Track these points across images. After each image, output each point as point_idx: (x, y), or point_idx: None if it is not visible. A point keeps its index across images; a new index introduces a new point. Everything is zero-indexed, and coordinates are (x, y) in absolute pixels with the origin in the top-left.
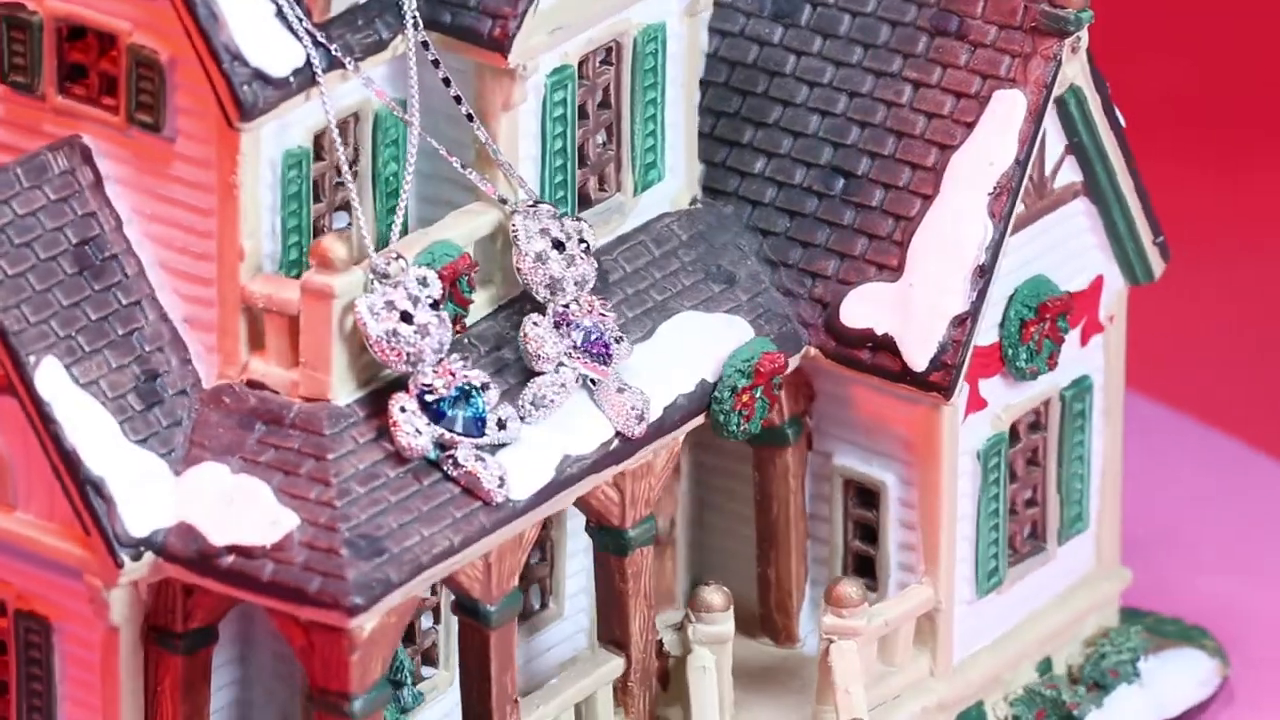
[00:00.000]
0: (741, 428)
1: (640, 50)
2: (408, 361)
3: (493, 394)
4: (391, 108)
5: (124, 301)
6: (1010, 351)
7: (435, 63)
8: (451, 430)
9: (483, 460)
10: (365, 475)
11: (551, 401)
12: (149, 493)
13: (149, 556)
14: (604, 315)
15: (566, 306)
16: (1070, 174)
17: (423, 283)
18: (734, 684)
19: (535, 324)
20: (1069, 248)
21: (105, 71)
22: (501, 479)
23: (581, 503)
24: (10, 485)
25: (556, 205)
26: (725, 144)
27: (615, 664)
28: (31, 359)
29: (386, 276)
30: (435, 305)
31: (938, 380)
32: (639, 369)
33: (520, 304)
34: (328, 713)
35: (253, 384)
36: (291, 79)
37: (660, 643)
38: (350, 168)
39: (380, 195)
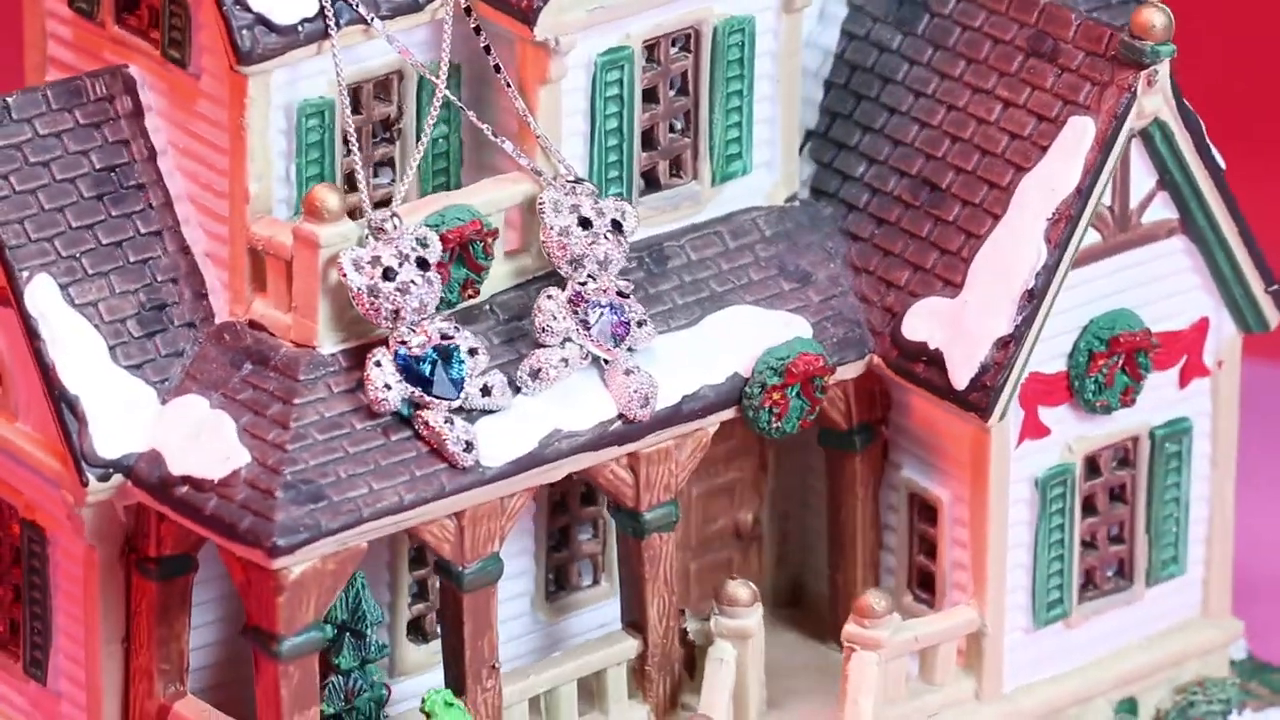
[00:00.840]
0: (773, 425)
1: (722, 40)
2: (386, 317)
3: (481, 359)
4: (420, 69)
5: (142, 230)
6: (1077, 382)
7: (477, 29)
8: (425, 390)
9: (451, 423)
10: (328, 423)
11: (549, 375)
12: (128, 417)
13: (118, 478)
14: (623, 297)
15: (583, 284)
16: (1164, 211)
17: (422, 243)
18: (783, 685)
19: (549, 297)
20: (1165, 286)
21: (152, 4)
22: (468, 444)
23: (592, 481)
24: (13, 397)
25: (599, 185)
26: (836, 145)
27: (627, 645)
28: (25, 274)
29: (382, 232)
30: (424, 265)
31: (976, 400)
32: (670, 355)
33: (555, 278)
34: (259, 650)
35: (254, 324)
36: (300, 28)
37: (685, 630)
38: (394, 125)
39: (426, 155)
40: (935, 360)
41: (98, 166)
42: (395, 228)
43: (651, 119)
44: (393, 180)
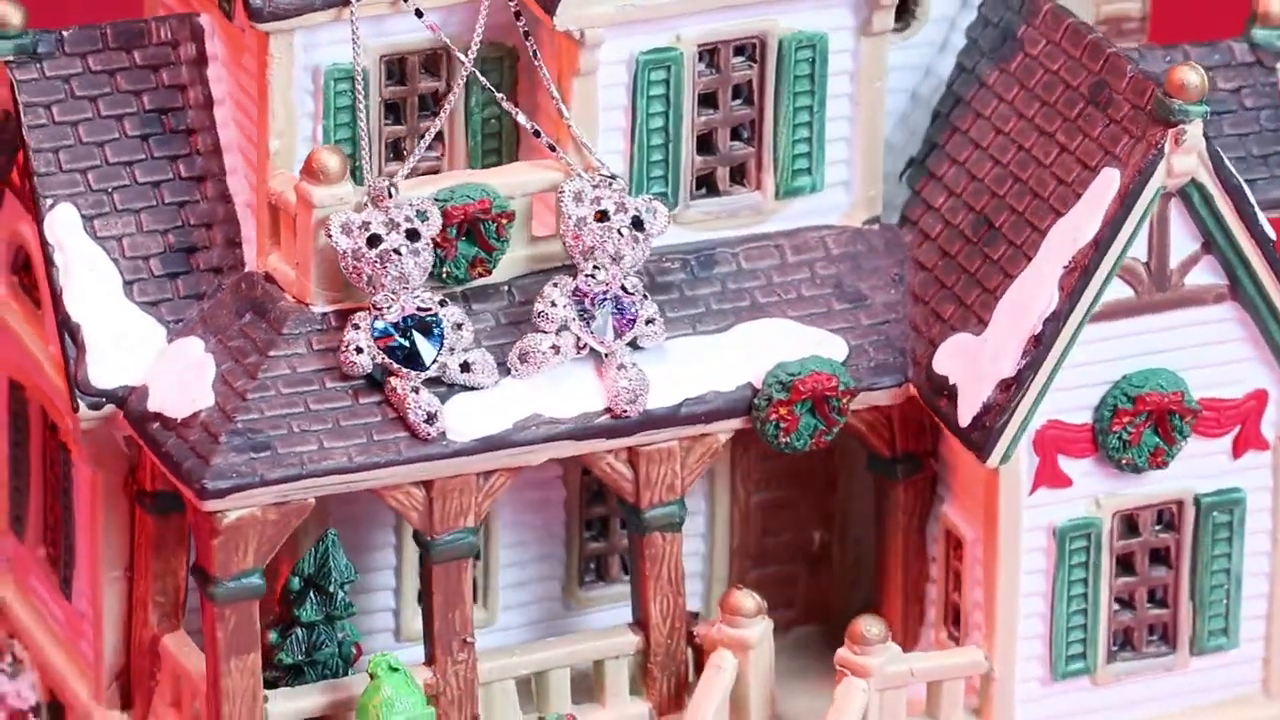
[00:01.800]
0: (780, 440)
1: (789, 54)
2: (367, 283)
3: (465, 335)
4: (451, 47)
5: (184, 174)
6: (1102, 437)
7: (517, 14)
8: (396, 359)
9: (417, 392)
10: (297, 379)
11: (536, 360)
12: (132, 351)
13: (111, 408)
14: (628, 293)
15: (590, 275)
16: (1209, 275)
17: (421, 215)
18: (807, 704)
19: (554, 285)
20: (1216, 352)
21: None
22: (430, 414)
23: (592, 472)
24: (47, 322)
25: (639, 183)
26: (928, 174)
27: (625, 640)
28: (48, 201)
29: (380, 199)
30: (413, 236)
31: (977, 439)
32: (685, 357)
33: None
34: (201, 589)
35: (269, 276)
36: None
37: (692, 633)
38: (441, 101)
39: (473, 133)
40: (953, 396)
41: (148, 108)
42: (391, 195)
43: (709, 124)
44: (441, 154)
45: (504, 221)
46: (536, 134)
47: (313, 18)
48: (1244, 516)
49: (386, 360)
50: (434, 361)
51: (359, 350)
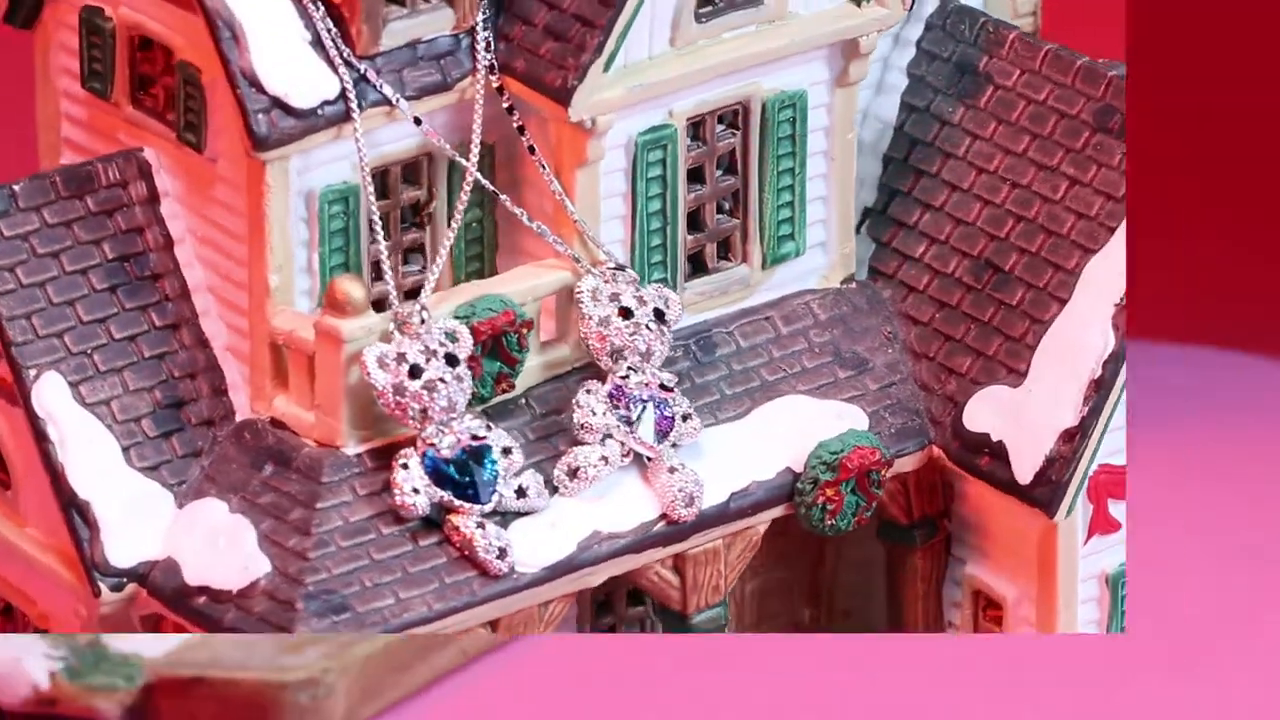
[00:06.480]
0: (827, 523)
1: (772, 117)
2: (414, 417)
3: (515, 458)
4: (450, 152)
5: (158, 323)
6: None
7: (510, 109)
8: (454, 494)
9: (483, 528)
10: (353, 529)
11: (588, 474)
12: (143, 522)
13: (132, 587)
14: (667, 390)
15: (625, 378)
16: None
17: (451, 337)
18: None
19: (589, 392)
20: None
21: (168, 85)
22: (501, 550)
23: (635, 584)
24: (22, 501)
25: (641, 270)
26: (895, 224)
27: None
28: (32, 372)
29: (408, 326)
30: (452, 361)
31: (1041, 495)
32: (718, 449)
33: (593, 370)
34: None
35: (276, 422)
36: (320, 111)
37: None
38: (424, 210)
39: (459, 240)
40: (998, 452)
41: (110, 256)
42: (422, 321)
43: (697, 200)
44: (422, 267)
45: (525, 331)
46: (542, 233)
47: (313, 139)
48: None
49: (445, 498)
50: (493, 492)
51: (415, 491)
